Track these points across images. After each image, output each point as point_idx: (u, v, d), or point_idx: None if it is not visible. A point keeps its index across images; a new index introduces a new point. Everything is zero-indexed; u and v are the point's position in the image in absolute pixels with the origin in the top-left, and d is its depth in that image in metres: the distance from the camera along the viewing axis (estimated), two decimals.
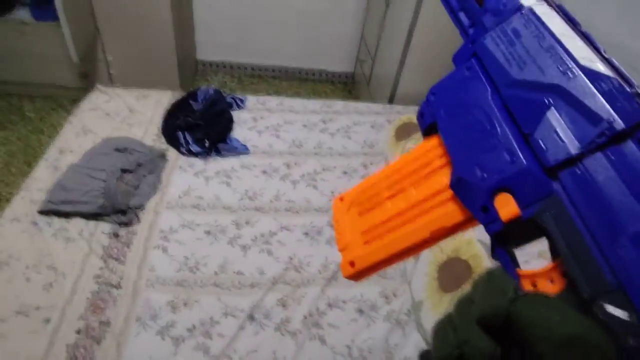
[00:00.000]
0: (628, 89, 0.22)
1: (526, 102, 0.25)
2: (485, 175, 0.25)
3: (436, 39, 1.90)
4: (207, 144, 1.59)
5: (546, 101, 0.24)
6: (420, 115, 0.31)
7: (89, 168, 1.41)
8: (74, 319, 1.07)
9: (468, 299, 0.24)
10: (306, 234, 1.38)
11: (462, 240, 1.15)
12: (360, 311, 1.18)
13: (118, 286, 1.15)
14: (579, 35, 0.25)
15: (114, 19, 2.18)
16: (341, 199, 0.36)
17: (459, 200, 0.27)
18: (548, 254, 0.24)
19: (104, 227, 1.29)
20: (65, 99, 2.46)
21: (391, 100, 2.18)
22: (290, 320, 1.15)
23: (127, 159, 1.48)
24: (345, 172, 1.63)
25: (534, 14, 0.27)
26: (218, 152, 1.60)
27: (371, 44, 2.49)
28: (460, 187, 0.26)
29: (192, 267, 1.23)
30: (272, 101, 1.94)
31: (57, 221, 1.29)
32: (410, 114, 1.88)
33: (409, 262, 1.28)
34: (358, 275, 0.31)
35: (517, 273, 0.24)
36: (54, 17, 1.98)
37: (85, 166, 1.41)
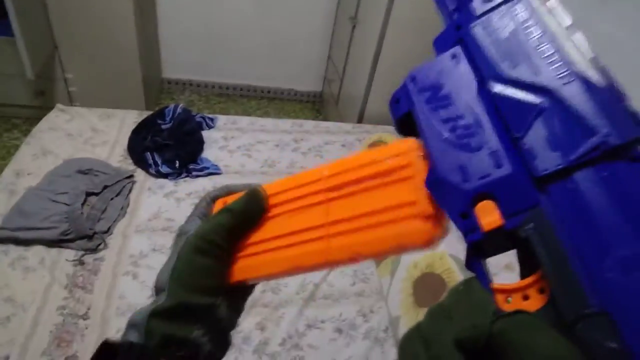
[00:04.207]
0: (621, 103, 0.21)
1: (517, 103, 0.23)
2: (467, 178, 0.23)
3: (404, 58, 1.92)
4: (177, 165, 1.55)
5: (539, 105, 0.22)
6: (395, 101, 0.28)
7: (50, 191, 1.33)
8: (36, 355, 0.99)
9: (444, 312, 0.23)
10: None
11: (435, 255, 1.18)
12: (339, 330, 1.18)
13: (85, 317, 1.08)
14: (577, 35, 0.23)
15: (74, 35, 2.10)
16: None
17: (432, 210, 0.24)
18: (516, 267, 0.23)
19: (67, 255, 1.22)
20: (18, 119, 2.33)
21: (360, 119, 2.23)
22: (269, 342, 1.13)
23: (91, 181, 1.41)
24: None
25: (529, 5, 0.25)
26: (189, 173, 1.57)
27: (339, 64, 2.55)
28: (438, 189, 0.24)
29: None
30: (243, 121, 1.93)
31: (14, 250, 1.20)
32: (379, 132, 1.93)
33: (384, 279, 1.30)
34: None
35: (490, 287, 0.22)
36: (8, 32, 1.89)
37: (46, 189, 1.34)
